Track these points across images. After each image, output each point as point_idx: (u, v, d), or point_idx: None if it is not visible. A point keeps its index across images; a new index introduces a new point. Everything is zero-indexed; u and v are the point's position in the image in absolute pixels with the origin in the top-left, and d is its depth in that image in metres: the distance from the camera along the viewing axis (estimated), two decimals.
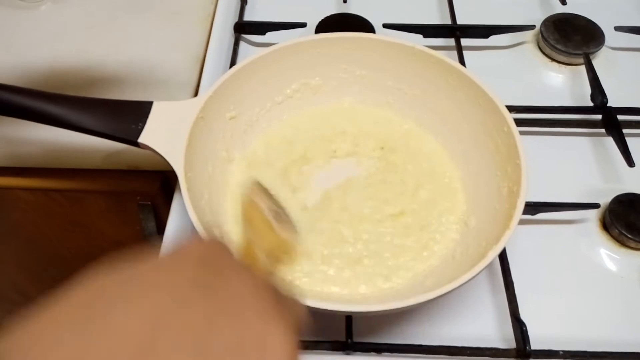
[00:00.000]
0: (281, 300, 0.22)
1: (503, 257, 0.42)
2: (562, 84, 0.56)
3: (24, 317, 0.18)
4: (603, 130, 0.51)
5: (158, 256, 0.21)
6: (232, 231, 0.42)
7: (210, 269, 0.21)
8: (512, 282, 0.41)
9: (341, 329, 0.39)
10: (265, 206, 0.34)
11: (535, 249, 0.44)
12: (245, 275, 0.22)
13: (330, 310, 0.33)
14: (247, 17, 0.61)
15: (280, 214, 0.34)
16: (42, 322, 0.18)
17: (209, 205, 0.40)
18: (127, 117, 0.41)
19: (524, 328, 0.38)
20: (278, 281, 0.24)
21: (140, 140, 0.40)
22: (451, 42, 0.57)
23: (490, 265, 0.36)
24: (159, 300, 0.19)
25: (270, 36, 0.58)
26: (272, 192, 0.35)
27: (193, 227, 0.36)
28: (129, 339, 0.17)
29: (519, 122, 0.43)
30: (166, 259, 0.21)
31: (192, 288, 0.19)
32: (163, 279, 0.20)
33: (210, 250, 0.22)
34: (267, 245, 0.32)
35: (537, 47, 0.59)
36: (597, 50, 0.56)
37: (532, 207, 0.44)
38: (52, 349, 0.17)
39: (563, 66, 0.57)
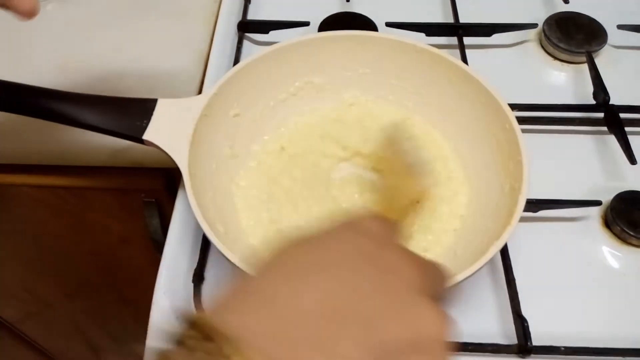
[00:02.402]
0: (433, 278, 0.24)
1: (505, 253, 0.42)
2: (564, 82, 0.56)
3: (232, 291, 0.21)
4: (605, 128, 0.51)
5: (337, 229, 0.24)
6: (241, 226, 0.42)
7: (383, 251, 0.23)
8: (513, 279, 0.41)
9: None
10: (404, 152, 0.35)
11: (537, 246, 0.45)
12: (407, 258, 0.24)
13: None
14: (251, 16, 0.61)
15: (416, 162, 0.35)
16: (251, 295, 0.21)
17: (213, 202, 0.41)
18: (131, 114, 0.42)
19: (526, 324, 0.38)
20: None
21: (145, 137, 0.41)
22: (454, 40, 0.57)
23: (492, 262, 0.36)
24: (346, 276, 0.21)
25: (273, 35, 0.58)
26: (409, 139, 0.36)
27: (198, 224, 0.37)
28: (321, 306, 0.20)
29: (521, 120, 0.43)
30: (350, 234, 0.24)
31: (370, 270, 0.22)
32: (348, 256, 0.22)
33: (381, 230, 0.25)
34: (406, 193, 0.33)
35: (539, 45, 0.59)
36: (600, 49, 0.56)
37: (534, 205, 0.44)
38: (261, 315, 0.20)
39: (565, 64, 0.57)
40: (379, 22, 0.58)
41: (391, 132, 0.36)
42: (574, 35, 0.57)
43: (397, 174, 0.36)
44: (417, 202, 0.36)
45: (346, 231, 0.24)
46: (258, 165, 0.46)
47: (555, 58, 0.57)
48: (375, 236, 0.24)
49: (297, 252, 0.23)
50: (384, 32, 0.57)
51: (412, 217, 0.36)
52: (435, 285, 0.24)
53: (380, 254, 0.23)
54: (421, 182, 0.35)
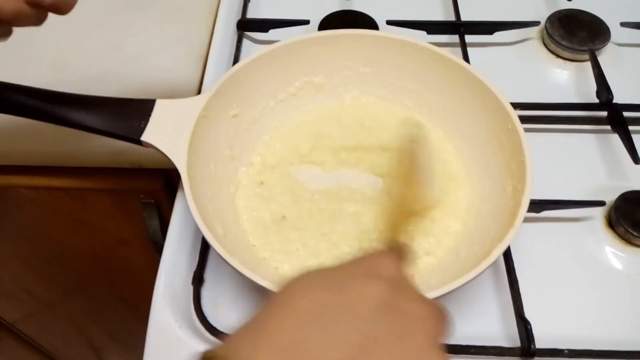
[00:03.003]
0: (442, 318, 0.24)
1: (508, 255, 0.42)
2: (567, 80, 0.56)
3: (249, 325, 0.21)
4: (609, 127, 0.50)
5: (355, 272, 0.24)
6: (241, 228, 0.42)
7: (399, 297, 0.23)
8: (516, 281, 0.41)
9: None
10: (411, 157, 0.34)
11: (540, 247, 0.44)
12: (422, 306, 0.24)
13: None
14: (250, 14, 0.61)
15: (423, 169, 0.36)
16: (267, 332, 0.21)
17: (212, 203, 0.40)
18: (129, 115, 0.41)
19: (529, 327, 0.38)
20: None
21: (143, 138, 0.40)
22: (455, 38, 0.57)
23: (494, 264, 0.36)
24: (366, 328, 0.21)
25: (273, 33, 0.57)
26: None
27: (197, 226, 0.36)
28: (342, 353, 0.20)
29: (524, 119, 0.42)
30: (364, 280, 0.23)
31: (389, 321, 0.22)
32: (366, 304, 0.22)
33: (393, 270, 0.25)
34: (413, 199, 0.34)
35: (542, 43, 0.58)
36: (603, 47, 0.56)
37: (537, 205, 0.44)
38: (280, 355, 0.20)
39: (568, 62, 0.56)
40: (380, 21, 0.58)
41: (403, 135, 0.36)
42: (576, 33, 0.56)
43: (402, 182, 0.36)
44: (420, 212, 0.36)
45: (361, 275, 0.24)
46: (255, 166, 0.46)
47: (558, 56, 0.57)
48: (389, 278, 0.24)
49: (313, 294, 0.22)
50: (384, 30, 0.56)
51: (412, 228, 0.36)
52: (444, 330, 0.24)
53: (397, 302, 0.23)
54: (426, 191, 0.35)
